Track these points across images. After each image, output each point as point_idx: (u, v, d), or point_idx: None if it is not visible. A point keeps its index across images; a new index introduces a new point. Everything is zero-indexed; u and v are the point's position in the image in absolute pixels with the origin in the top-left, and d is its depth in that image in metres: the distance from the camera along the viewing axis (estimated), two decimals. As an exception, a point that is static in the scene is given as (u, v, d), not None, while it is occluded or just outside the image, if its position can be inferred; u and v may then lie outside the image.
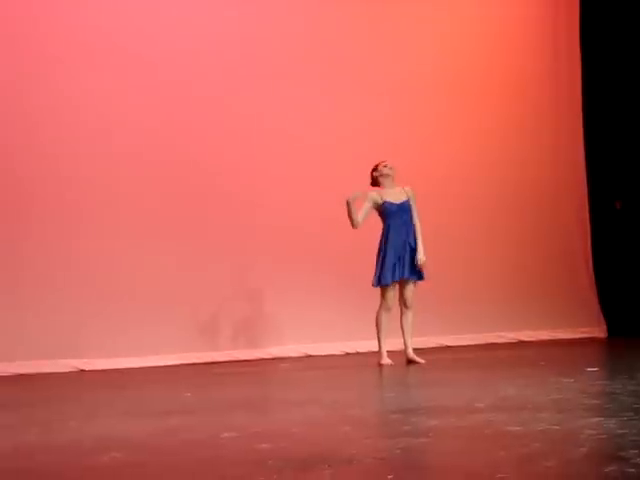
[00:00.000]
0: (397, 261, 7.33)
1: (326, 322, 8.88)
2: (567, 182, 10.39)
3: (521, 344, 9.49)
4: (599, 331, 10.15)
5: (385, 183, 7.49)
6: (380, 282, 7.32)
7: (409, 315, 7.47)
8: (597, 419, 3.99)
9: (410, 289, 7.43)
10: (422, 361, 7.34)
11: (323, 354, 8.76)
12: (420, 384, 5.91)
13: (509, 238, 10.01)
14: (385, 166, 7.54)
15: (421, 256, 7.34)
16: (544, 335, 9.83)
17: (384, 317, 7.37)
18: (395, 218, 7.39)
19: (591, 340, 9.74)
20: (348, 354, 8.84)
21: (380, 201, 7.42)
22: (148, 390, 6.40)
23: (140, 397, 5.89)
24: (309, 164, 9.18)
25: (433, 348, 9.05)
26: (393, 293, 7.38)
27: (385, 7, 9.65)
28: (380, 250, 7.38)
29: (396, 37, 9.68)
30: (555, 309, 9.90)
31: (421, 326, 9.02)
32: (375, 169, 7.58)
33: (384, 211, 7.42)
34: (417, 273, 7.39)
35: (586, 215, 10.42)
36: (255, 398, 5.60)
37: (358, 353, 8.79)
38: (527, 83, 10.29)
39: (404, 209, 7.42)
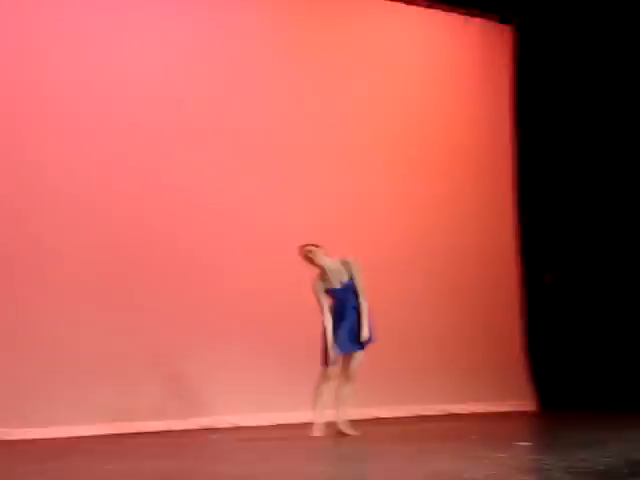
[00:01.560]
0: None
1: (258, 392, 8.73)
2: (500, 256, 10.46)
3: (452, 416, 9.42)
4: (530, 404, 10.15)
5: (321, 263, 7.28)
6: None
7: (349, 386, 7.35)
8: (531, 496, 3.93)
9: (356, 360, 7.32)
10: (355, 433, 7.23)
11: (254, 425, 8.59)
12: (352, 457, 5.79)
13: (441, 311, 9.97)
14: (309, 250, 7.30)
15: (365, 332, 7.24)
16: (475, 408, 9.79)
17: (325, 387, 7.27)
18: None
19: (522, 413, 9.73)
20: (280, 425, 8.68)
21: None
22: (69, 462, 6.15)
23: (60, 469, 5.66)
24: (245, 232, 9.09)
25: (365, 420, 8.94)
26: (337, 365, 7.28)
27: (313, 65, 9.66)
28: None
29: (329, 104, 9.70)
30: (486, 382, 9.88)
31: (353, 397, 8.95)
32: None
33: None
34: (360, 345, 7.29)
35: (517, 288, 10.49)
36: (181, 471, 5.41)
37: (290, 424, 8.63)
38: (459, 154, 10.39)
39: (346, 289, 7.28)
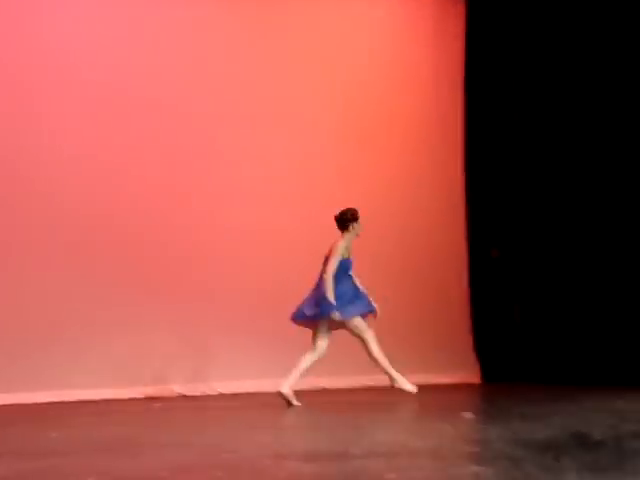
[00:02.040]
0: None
1: (204, 361, 8.71)
2: (446, 229, 10.47)
3: (397, 388, 9.42)
4: (474, 376, 10.22)
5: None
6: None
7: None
8: (475, 468, 3.94)
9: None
10: (298, 403, 7.22)
11: (198, 394, 8.55)
12: (297, 427, 5.78)
13: (389, 285, 9.96)
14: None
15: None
16: (420, 379, 9.80)
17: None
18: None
19: (466, 385, 9.79)
20: (223, 394, 8.65)
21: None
22: (14, 429, 6.07)
23: (3, 436, 5.58)
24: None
25: (310, 390, 8.94)
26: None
27: (270, 50, 9.58)
28: None
29: (284, 90, 9.64)
30: (431, 354, 9.90)
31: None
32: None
33: None
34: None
35: (464, 262, 10.53)
36: (124, 440, 5.36)
37: (235, 394, 8.61)
38: (409, 132, 10.34)
39: None
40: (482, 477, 3.73)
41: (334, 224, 7.77)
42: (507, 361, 10.08)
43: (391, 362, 9.66)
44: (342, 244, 7.51)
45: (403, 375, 9.63)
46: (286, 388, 7.27)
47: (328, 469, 3.98)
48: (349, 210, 7.66)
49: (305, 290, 7.61)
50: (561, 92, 10.08)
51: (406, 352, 9.78)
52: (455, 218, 10.53)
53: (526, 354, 10.05)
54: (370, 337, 7.60)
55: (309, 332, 7.55)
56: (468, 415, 6.44)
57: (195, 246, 8.93)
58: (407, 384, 7.57)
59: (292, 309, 7.54)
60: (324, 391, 9.01)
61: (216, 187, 9.16)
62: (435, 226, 10.38)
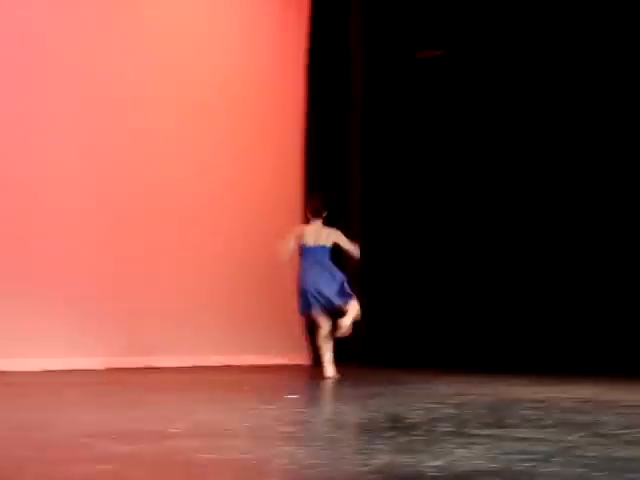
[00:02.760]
0: None
1: (23, 336, 8.47)
2: (283, 213, 10.52)
3: (227, 368, 9.44)
4: (305, 358, 10.33)
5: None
6: None
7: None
8: (290, 448, 3.96)
9: None
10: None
11: (20, 370, 8.30)
12: (117, 406, 5.67)
13: (222, 266, 9.96)
14: None
15: None
16: (250, 360, 9.86)
17: None
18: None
19: (296, 367, 9.88)
20: (46, 371, 8.43)
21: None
22: None
23: None
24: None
25: (138, 368, 8.84)
26: None
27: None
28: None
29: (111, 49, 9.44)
30: (262, 335, 9.97)
31: (126, 346, 8.87)
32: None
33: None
34: None
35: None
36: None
37: (58, 371, 8.40)
38: (253, 109, 10.36)
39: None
40: (295, 457, 3.76)
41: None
42: (337, 343, 10.21)
43: (225, 343, 9.72)
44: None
45: (236, 356, 9.72)
46: (331, 372, 7.86)
47: (142, 449, 3.92)
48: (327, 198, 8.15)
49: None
50: (404, 74, 10.30)
51: (240, 333, 9.83)
52: (292, 202, 10.59)
53: (363, 335, 10.24)
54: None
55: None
56: (292, 396, 6.50)
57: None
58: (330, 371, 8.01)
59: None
60: (152, 370, 8.91)
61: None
62: (272, 209, 10.42)
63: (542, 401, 6.09)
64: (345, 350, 10.41)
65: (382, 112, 10.65)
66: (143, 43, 9.60)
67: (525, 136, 9.73)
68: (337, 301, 7.83)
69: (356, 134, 10.60)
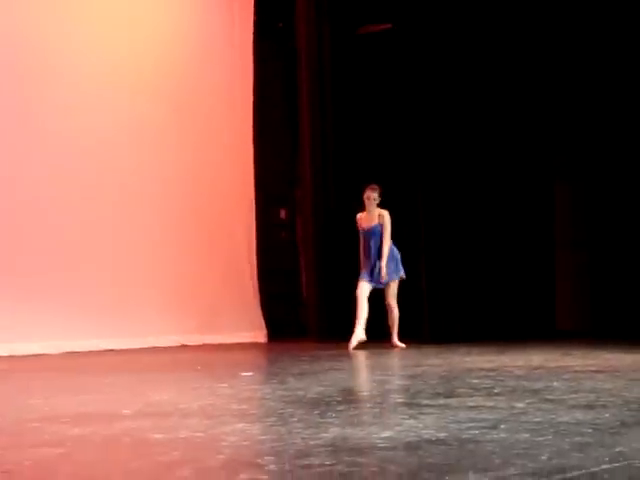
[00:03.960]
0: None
1: None
2: (236, 187, 10.51)
3: (183, 348, 9.44)
4: (260, 336, 10.35)
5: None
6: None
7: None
8: (242, 425, 3.99)
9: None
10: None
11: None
12: (70, 390, 5.65)
13: (179, 246, 9.94)
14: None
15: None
16: (206, 339, 9.86)
17: None
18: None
19: (252, 345, 9.90)
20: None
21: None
22: None
23: None
24: None
25: (93, 352, 8.80)
26: None
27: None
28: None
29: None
30: (218, 313, 9.97)
31: (83, 329, 8.83)
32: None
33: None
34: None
35: (252, 222, 10.61)
36: None
37: (11, 356, 8.35)
38: (203, 85, 10.30)
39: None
40: (247, 434, 3.79)
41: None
42: (292, 320, 10.28)
43: (177, 322, 9.72)
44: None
45: (190, 335, 9.73)
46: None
47: (94, 431, 3.92)
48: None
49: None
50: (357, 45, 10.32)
51: (198, 312, 9.82)
52: (245, 175, 10.60)
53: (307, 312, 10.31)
54: None
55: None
56: (247, 374, 6.51)
57: None
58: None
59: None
60: (108, 352, 8.88)
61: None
62: (226, 184, 10.39)
63: (494, 370, 6.17)
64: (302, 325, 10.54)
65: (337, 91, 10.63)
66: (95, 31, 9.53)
67: (477, 109, 9.75)
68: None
69: (305, 114, 10.58)
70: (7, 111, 8.81)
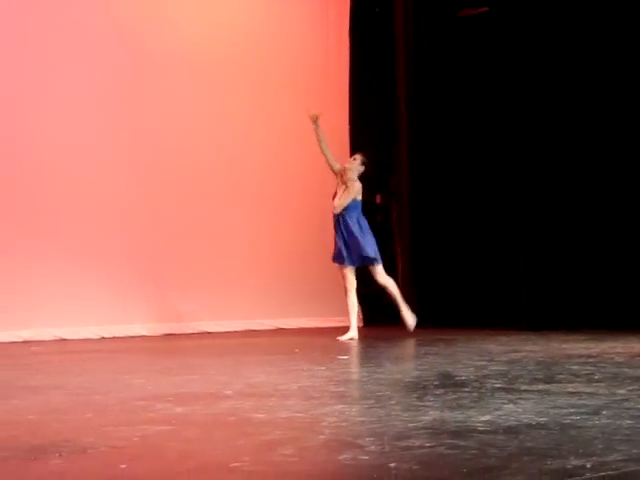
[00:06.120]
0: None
1: (82, 305, 8.66)
2: (331, 174, 10.53)
3: (279, 331, 9.57)
4: (358, 320, 10.36)
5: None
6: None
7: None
8: (340, 406, 4.04)
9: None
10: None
11: (79, 338, 8.51)
12: (172, 370, 5.80)
13: (274, 226, 10.08)
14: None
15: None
16: (302, 323, 9.97)
17: None
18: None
19: (348, 329, 9.91)
20: (104, 338, 8.63)
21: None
22: None
23: None
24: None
25: (192, 334, 9.00)
26: None
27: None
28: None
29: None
30: (314, 297, 10.06)
31: (180, 311, 9.03)
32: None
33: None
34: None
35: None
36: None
37: (115, 337, 8.60)
38: (298, 81, 10.38)
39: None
40: (345, 415, 3.84)
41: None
42: (387, 305, 10.27)
43: (274, 306, 9.85)
44: None
45: (286, 319, 9.86)
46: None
47: (196, 410, 4.03)
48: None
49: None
50: (445, 39, 10.23)
51: (289, 297, 9.93)
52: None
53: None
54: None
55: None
56: (343, 357, 6.57)
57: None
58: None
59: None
60: (206, 335, 9.07)
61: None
62: (321, 174, 10.44)
63: (593, 356, 6.10)
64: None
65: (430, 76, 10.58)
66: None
67: (580, 97, 9.56)
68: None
69: (402, 101, 10.56)
70: (100, 104, 9.01)
